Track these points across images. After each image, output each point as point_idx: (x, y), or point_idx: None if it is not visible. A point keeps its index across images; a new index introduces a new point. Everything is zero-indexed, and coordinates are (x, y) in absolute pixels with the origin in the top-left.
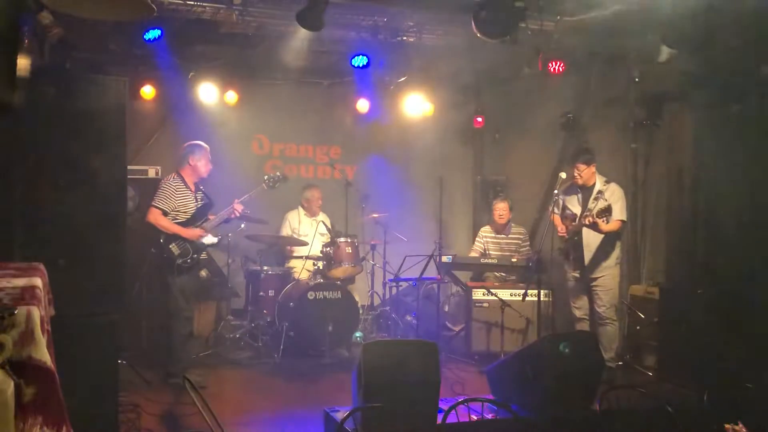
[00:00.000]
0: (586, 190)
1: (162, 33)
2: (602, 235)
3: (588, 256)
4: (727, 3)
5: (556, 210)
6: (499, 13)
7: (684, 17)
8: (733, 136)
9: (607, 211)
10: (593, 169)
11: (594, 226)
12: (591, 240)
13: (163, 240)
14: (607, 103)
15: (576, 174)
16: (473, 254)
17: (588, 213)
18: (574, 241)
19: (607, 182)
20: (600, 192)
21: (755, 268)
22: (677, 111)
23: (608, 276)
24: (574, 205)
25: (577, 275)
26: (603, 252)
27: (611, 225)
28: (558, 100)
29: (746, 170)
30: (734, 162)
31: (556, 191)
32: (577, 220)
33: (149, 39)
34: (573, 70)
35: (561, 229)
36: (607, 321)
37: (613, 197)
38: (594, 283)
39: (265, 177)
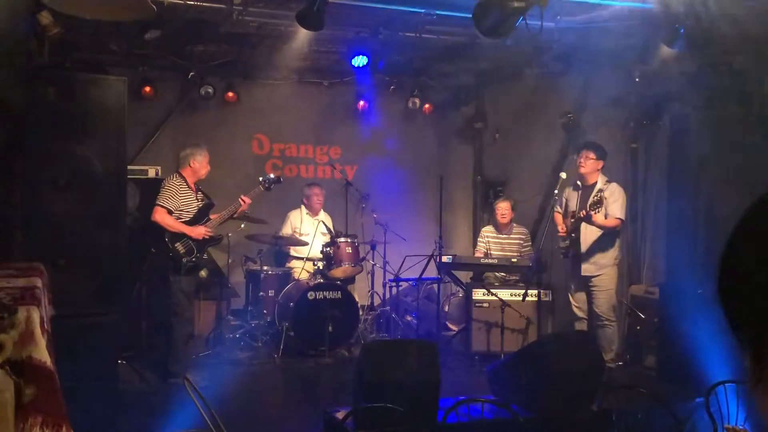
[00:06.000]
0: (586, 189)
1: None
2: (599, 233)
3: (585, 253)
4: (727, 3)
5: (559, 208)
6: (499, 13)
7: (684, 17)
8: (733, 135)
9: (599, 204)
10: (599, 165)
11: (588, 219)
12: (588, 237)
13: (168, 239)
14: (607, 103)
15: (581, 162)
16: (477, 255)
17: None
18: (572, 239)
19: (608, 182)
20: (600, 191)
21: None
22: (677, 111)
23: (606, 276)
24: (574, 203)
25: (576, 273)
26: (600, 249)
27: (609, 221)
28: (558, 100)
29: (746, 170)
30: (734, 162)
31: (556, 191)
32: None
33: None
34: (573, 70)
35: (561, 227)
36: (606, 322)
37: (613, 196)
38: (591, 282)
39: (260, 178)
